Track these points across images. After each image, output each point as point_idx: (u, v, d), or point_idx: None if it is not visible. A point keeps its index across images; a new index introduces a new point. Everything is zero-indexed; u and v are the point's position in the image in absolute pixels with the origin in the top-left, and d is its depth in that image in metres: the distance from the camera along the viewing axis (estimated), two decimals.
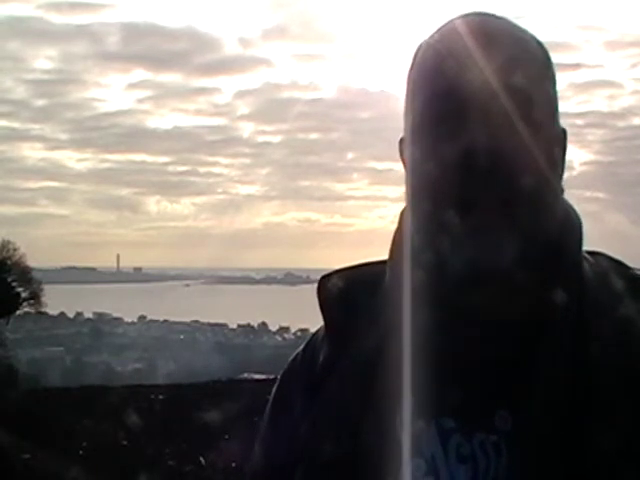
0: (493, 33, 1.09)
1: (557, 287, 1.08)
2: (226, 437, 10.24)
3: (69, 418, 12.31)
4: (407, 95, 1.13)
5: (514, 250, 1.04)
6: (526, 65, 1.09)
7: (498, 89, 1.04)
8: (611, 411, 1.02)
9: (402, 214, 1.17)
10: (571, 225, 1.13)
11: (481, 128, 1.04)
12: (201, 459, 10.36)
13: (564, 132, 1.14)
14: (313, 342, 1.24)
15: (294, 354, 1.26)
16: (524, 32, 1.13)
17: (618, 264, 1.15)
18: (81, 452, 10.69)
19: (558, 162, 1.11)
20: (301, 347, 1.26)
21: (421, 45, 1.15)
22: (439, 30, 1.14)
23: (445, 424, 1.08)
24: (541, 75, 1.11)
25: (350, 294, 1.19)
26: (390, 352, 1.10)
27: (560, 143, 1.13)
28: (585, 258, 1.14)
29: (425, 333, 1.07)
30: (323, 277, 1.23)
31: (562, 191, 1.12)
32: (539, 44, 1.14)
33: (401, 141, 1.17)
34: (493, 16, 1.13)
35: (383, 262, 1.19)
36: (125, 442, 11.31)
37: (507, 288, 1.05)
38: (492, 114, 1.04)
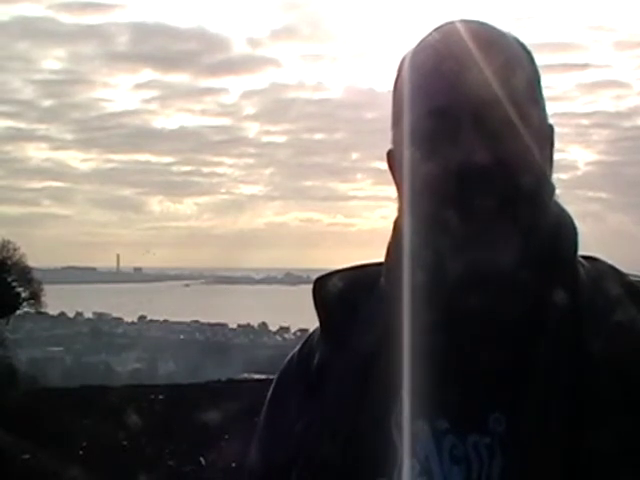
0: (482, 40, 1.09)
1: (556, 287, 1.08)
2: (226, 437, 10.24)
3: (69, 418, 12.30)
4: (399, 104, 1.14)
5: (513, 250, 1.05)
6: (518, 68, 1.10)
7: (495, 94, 1.05)
8: (608, 412, 1.02)
9: (395, 224, 1.18)
10: (565, 225, 1.14)
11: (480, 131, 1.05)
12: (201, 459, 10.36)
13: (551, 128, 1.15)
14: (309, 342, 1.24)
15: (290, 355, 1.27)
16: (507, 35, 1.14)
17: (614, 270, 1.15)
18: (81, 452, 10.68)
19: (549, 159, 1.13)
20: (297, 348, 1.26)
21: (405, 58, 1.15)
22: (424, 41, 1.14)
23: (439, 425, 1.09)
24: (531, 75, 1.13)
25: (346, 294, 1.20)
26: (386, 353, 1.10)
27: (550, 140, 1.14)
28: (580, 262, 1.14)
29: (423, 334, 1.07)
30: (319, 278, 1.23)
31: (553, 189, 1.13)
32: (522, 45, 1.15)
33: (389, 153, 1.18)
34: (477, 22, 1.13)
35: (380, 264, 1.19)
36: (125, 442, 11.30)
37: (507, 288, 1.06)
38: (491, 117, 1.06)
